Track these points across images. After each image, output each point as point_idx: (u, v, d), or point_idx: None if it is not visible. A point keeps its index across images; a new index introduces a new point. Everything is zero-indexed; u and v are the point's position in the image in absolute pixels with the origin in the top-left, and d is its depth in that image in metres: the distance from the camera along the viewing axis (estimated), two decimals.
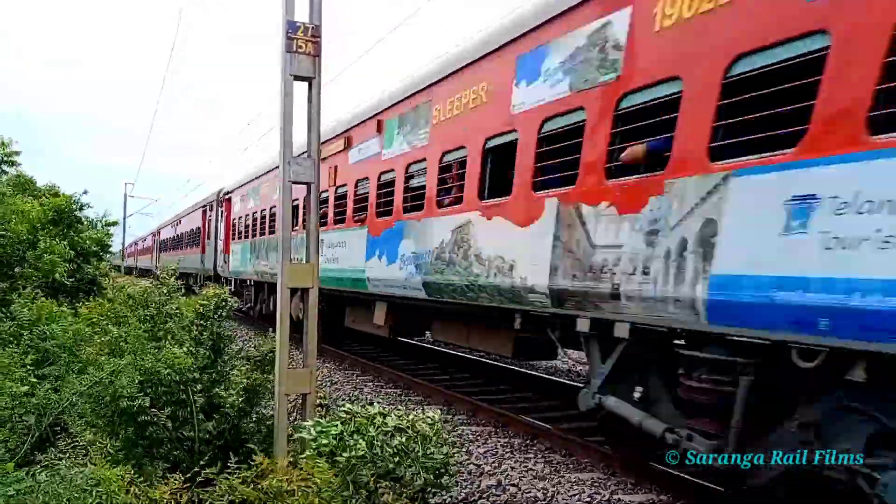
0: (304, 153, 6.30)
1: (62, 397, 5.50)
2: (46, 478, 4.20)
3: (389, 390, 11.77)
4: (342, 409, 5.23)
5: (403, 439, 4.89)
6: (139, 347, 5.51)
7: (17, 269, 10.23)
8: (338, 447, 4.73)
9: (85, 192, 14.61)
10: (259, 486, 4.63)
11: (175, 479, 4.54)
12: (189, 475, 4.69)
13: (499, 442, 8.43)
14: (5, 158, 13.59)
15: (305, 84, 6.21)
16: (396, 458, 4.76)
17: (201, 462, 4.95)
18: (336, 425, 4.96)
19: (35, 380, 5.82)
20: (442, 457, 5.03)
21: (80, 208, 14.44)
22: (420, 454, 4.85)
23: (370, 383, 12.49)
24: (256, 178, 20.36)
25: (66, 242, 12.10)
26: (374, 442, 4.74)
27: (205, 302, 6.36)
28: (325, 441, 4.80)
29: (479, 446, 8.15)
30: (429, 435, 5.00)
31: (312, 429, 4.97)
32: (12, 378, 5.71)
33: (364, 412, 5.06)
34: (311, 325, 6.37)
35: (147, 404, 5.24)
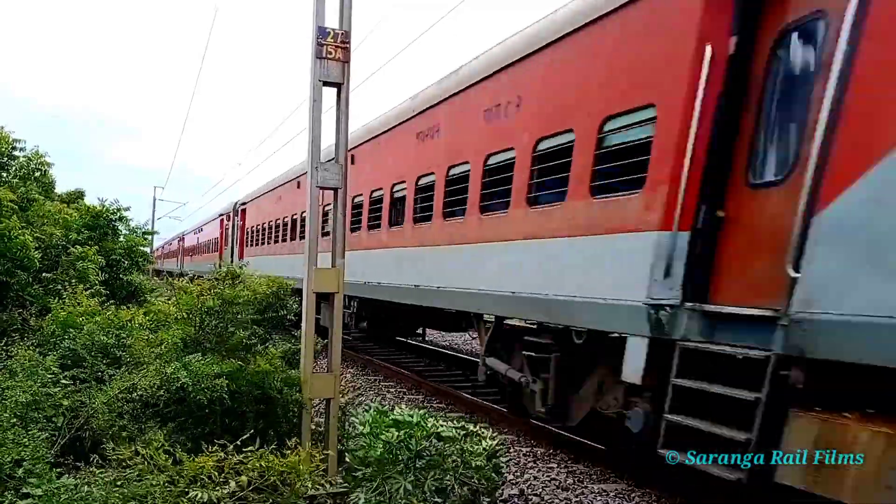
0: (331, 159, 6.34)
1: (95, 401, 5.57)
2: (78, 480, 4.25)
3: (412, 396, 11.75)
4: (398, 413, 5.24)
5: (456, 451, 4.87)
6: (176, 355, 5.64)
7: (47, 274, 10.37)
8: (390, 457, 4.73)
9: (120, 208, 14.85)
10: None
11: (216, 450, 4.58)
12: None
13: (521, 451, 8.37)
14: (38, 167, 13.78)
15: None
16: (440, 473, 4.73)
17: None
18: (391, 431, 4.94)
19: (67, 381, 5.87)
20: (492, 480, 5.01)
21: (119, 218, 14.64)
22: (467, 472, 4.81)
23: (392, 389, 12.48)
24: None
25: (97, 247, 12.25)
26: (423, 453, 4.74)
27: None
28: (374, 452, 4.80)
29: (501, 455, 8.08)
30: (480, 453, 4.99)
31: (363, 428, 4.98)
32: (42, 380, 5.77)
33: (424, 423, 5.04)
34: (335, 331, 6.38)
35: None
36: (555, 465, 7.79)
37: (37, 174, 13.41)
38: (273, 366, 6.21)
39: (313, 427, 6.48)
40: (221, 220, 32.24)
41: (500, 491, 5.82)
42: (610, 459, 7.77)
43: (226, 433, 5.56)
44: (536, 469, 7.62)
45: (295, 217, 19.00)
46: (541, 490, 6.89)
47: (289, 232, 19.70)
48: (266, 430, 5.95)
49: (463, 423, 5.56)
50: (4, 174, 12.43)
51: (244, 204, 27.28)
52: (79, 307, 7.92)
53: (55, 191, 17.28)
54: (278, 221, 21.13)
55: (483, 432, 5.47)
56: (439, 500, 4.66)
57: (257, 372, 6.03)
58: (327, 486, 5.01)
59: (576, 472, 7.57)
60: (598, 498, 6.71)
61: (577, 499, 6.67)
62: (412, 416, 5.21)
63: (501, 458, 5.60)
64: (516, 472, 7.47)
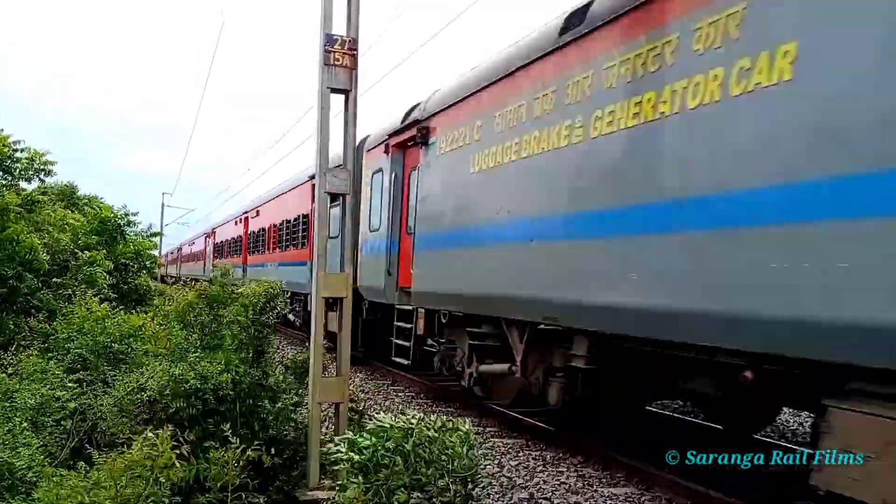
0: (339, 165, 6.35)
1: (102, 403, 5.61)
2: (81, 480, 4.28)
3: (420, 400, 11.76)
4: (373, 421, 5.25)
5: (435, 450, 4.88)
6: (179, 355, 5.66)
7: (58, 279, 10.45)
8: (371, 460, 4.75)
9: (128, 214, 15.00)
10: None
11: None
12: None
13: (531, 455, 8.36)
14: (40, 167, 13.84)
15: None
16: (430, 470, 4.74)
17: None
18: (367, 439, 4.97)
19: (73, 385, 5.93)
20: (470, 465, 5.00)
21: (128, 223, 14.77)
22: (451, 465, 4.82)
23: (401, 393, 12.50)
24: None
25: (105, 251, 12.36)
26: (409, 456, 4.75)
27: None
28: (357, 457, 4.83)
29: (510, 459, 8.09)
30: (458, 446, 4.99)
31: (343, 445, 5.00)
32: (51, 384, 5.82)
33: (401, 424, 5.05)
34: (344, 335, 6.40)
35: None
36: (564, 469, 7.77)
37: (41, 174, 13.53)
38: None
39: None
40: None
41: (480, 469, 5.73)
42: (620, 463, 7.75)
43: (216, 436, 5.62)
44: (546, 473, 7.61)
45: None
46: (550, 494, 6.88)
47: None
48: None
49: (442, 420, 5.56)
50: (9, 177, 12.54)
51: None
52: (88, 312, 7.98)
53: (76, 193, 17.49)
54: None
55: (459, 424, 5.47)
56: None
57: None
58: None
59: (585, 475, 7.55)
60: (608, 502, 6.69)
61: (587, 502, 6.65)
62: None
63: (473, 441, 5.55)
64: (525, 476, 7.46)
